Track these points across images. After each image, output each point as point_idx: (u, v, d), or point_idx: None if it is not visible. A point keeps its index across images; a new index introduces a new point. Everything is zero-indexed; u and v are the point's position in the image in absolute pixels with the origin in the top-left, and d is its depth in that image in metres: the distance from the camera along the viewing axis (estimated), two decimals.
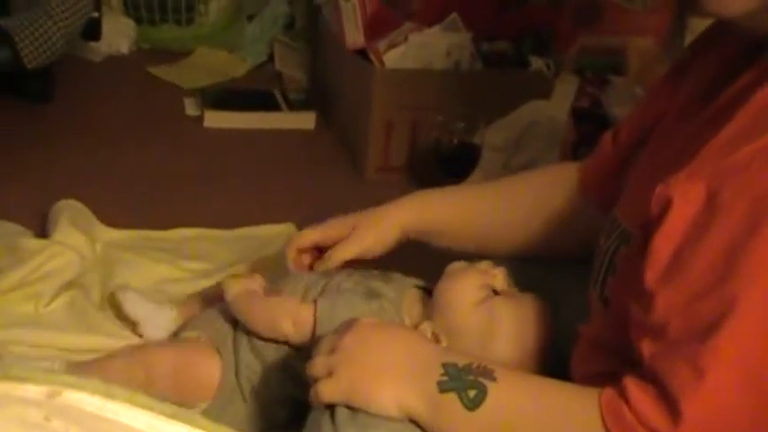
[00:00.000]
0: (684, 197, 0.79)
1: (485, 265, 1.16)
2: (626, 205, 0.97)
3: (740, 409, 0.76)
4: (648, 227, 0.83)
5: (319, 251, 1.31)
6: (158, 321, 1.42)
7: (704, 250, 0.77)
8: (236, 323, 1.28)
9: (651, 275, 0.81)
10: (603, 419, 0.81)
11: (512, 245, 1.26)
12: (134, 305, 1.45)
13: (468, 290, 1.13)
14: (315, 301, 1.19)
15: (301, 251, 1.30)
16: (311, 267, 1.31)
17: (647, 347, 0.81)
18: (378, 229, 1.27)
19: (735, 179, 0.76)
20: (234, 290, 1.23)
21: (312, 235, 1.30)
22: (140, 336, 1.41)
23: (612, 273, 0.94)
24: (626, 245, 0.92)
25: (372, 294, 1.18)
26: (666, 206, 0.80)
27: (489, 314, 1.10)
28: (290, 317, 1.18)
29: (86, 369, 1.26)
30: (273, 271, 1.63)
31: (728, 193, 0.76)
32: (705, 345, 0.76)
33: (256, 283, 1.25)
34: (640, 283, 0.82)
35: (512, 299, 1.13)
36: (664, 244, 0.80)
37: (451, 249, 1.29)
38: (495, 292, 1.13)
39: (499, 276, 1.14)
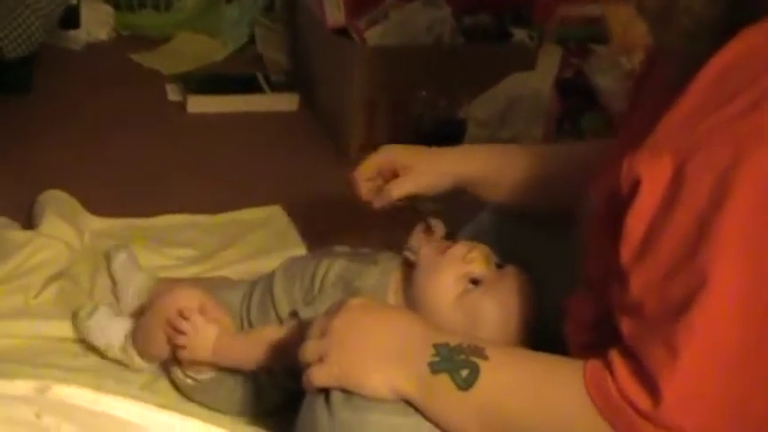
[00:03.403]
0: (652, 174, 0.78)
1: (460, 249, 1.14)
2: (596, 181, 0.97)
3: (715, 385, 0.76)
4: (615, 202, 0.83)
5: None
6: (130, 286, 1.46)
7: (673, 227, 0.77)
8: (242, 300, 1.29)
9: (626, 254, 0.81)
10: (589, 392, 0.81)
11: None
12: (118, 266, 1.51)
13: (446, 286, 1.12)
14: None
15: (368, 179, 1.30)
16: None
17: (626, 326, 0.81)
18: (433, 174, 1.27)
19: (698, 154, 0.76)
20: (207, 345, 1.22)
21: (378, 159, 1.30)
22: None
23: (586, 254, 0.94)
24: (588, 223, 0.92)
25: (352, 294, 1.17)
26: (635, 184, 0.79)
27: (472, 310, 1.10)
28: (279, 350, 1.18)
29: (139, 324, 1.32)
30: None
31: (693, 168, 0.76)
32: (678, 323, 0.76)
33: (213, 328, 1.23)
34: (616, 261, 0.82)
35: (492, 288, 1.11)
36: (636, 222, 0.80)
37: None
38: (475, 281, 1.12)
39: (477, 261, 1.13)
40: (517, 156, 1.28)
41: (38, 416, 0.47)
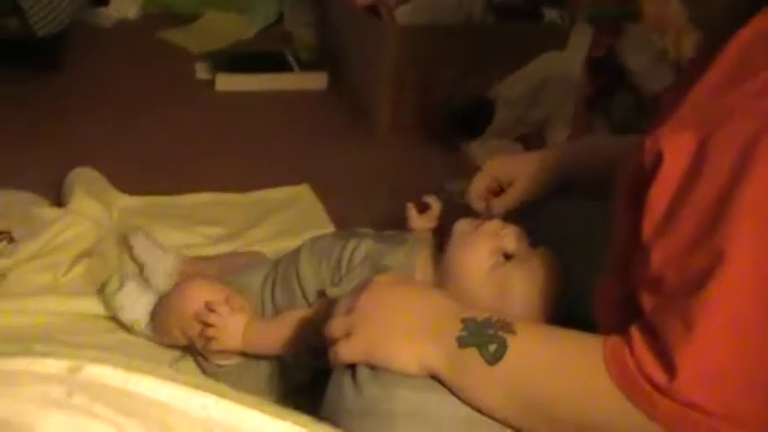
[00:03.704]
0: (675, 149, 0.78)
1: (493, 225, 1.15)
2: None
3: (731, 361, 0.76)
4: (639, 177, 0.82)
5: None
6: (159, 267, 1.46)
7: (694, 202, 0.76)
8: (263, 281, 1.29)
9: (648, 229, 0.80)
10: (608, 366, 0.81)
11: None
12: (142, 249, 1.50)
13: (479, 258, 1.12)
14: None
15: (480, 198, 1.34)
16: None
17: (647, 301, 0.81)
18: (530, 183, 1.30)
19: (721, 129, 0.75)
20: (237, 335, 1.23)
21: (483, 180, 1.33)
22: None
23: (613, 233, 0.93)
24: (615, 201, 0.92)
25: (380, 272, 1.17)
26: (658, 160, 0.79)
27: (502, 282, 1.10)
28: (308, 331, 1.18)
29: (157, 307, 1.33)
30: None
31: (716, 143, 0.75)
32: (695, 298, 0.75)
33: (241, 317, 1.25)
34: (638, 238, 0.81)
35: (524, 263, 1.12)
36: (659, 197, 0.79)
37: None
38: (507, 255, 1.12)
39: (509, 237, 1.13)
40: (610, 151, 1.28)
41: (69, 395, 0.47)
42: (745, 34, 0.78)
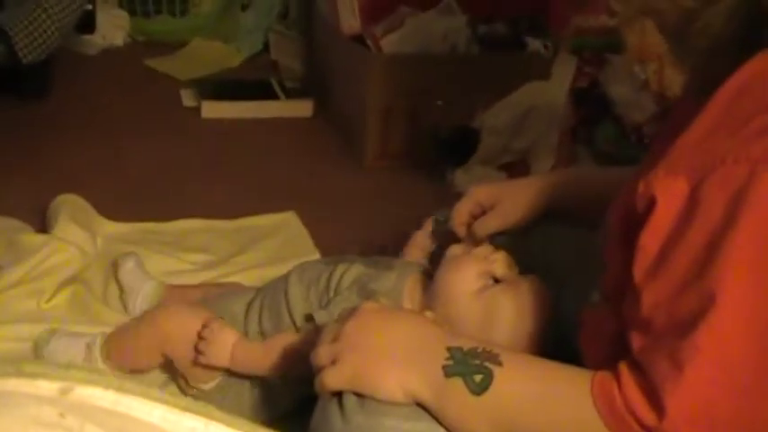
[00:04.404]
0: (667, 194, 0.79)
1: (484, 250, 1.16)
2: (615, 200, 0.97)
3: (721, 403, 0.76)
4: (630, 220, 0.83)
5: None
6: (138, 296, 1.47)
7: (686, 245, 0.77)
8: (247, 308, 1.29)
9: (639, 272, 0.81)
10: (596, 403, 0.81)
11: None
12: (125, 274, 1.51)
13: (467, 279, 1.13)
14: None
15: (463, 224, 1.32)
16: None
17: (636, 341, 0.82)
18: (515, 209, 1.28)
19: (713, 175, 0.76)
20: (226, 350, 1.23)
21: (467, 206, 1.31)
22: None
23: (604, 270, 0.94)
24: (605, 242, 0.92)
25: (367, 296, 1.18)
26: (650, 204, 0.80)
27: (489, 304, 1.10)
28: (296, 356, 1.18)
29: (120, 336, 1.33)
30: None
31: (708, 188, 0.76)
32: (685, 340, 0.76)
33: (232, 333, 1.25)
34: (629, 278, 0.82)
35: (511, 287, 1.12)
36: (651, 241, 0.80)
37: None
38: (496, 279, 1.13)
39: (499, 262, 1.14)
40: (595, 182, 1.28)
41: (62, 416, 0.47)
42: (734, 82, 0.80)
